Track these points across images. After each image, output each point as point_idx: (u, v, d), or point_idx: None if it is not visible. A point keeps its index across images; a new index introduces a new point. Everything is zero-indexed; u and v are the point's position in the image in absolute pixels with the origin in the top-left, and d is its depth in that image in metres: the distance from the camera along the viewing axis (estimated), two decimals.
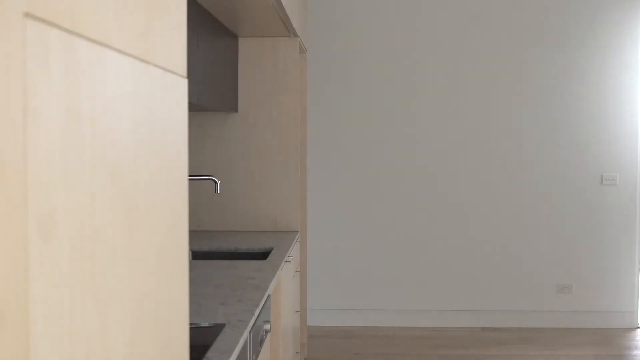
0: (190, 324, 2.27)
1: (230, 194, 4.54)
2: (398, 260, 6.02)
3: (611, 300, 5.98)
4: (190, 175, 3.99)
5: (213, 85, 3.77)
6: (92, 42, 0.73)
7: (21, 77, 0.58)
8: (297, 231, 4.54)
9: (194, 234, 4.38)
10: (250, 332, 2.37)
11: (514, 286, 6.01)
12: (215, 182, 3.80)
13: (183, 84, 1.11)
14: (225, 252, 3.95)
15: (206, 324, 2.29)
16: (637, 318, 6.02)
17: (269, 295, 2.93)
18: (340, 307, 6.06)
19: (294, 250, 4.26)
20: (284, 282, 3.57)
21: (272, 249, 3.88)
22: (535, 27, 5.94)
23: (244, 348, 2.28)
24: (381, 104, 6.01)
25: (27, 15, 0.59)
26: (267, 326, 2.76)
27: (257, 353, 2.55)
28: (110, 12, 0.79)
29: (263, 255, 3.91)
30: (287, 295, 3.75)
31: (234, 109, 4.46)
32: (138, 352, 0.89)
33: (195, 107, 3.78)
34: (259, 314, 2.59)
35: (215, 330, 2.21)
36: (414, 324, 5.99)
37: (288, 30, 4.31)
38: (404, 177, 6.01)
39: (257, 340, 2.58)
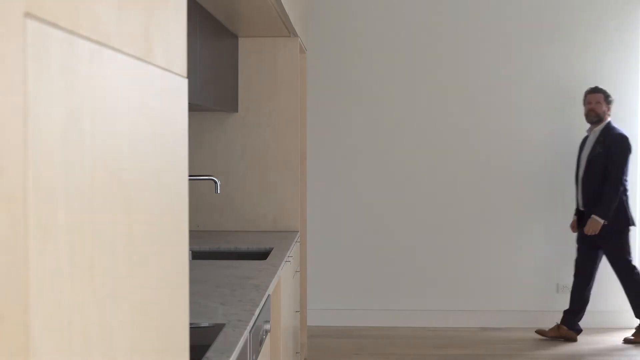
0: (190, 324, 2.27)
1: (230, 194, 4.54)
2: (398, 260, 6.02)
3: (611, 300, 5.97)
4: (190, 175, 3.99)
5: (213, 85, 3.77)
6: (92, 42, 0.73)
7: (21, 77, 0.58)
8: (297, 231, 4.54)
9: (194, 234, 4.38)
10: (250, 332, 2.37)
11: (514, 286, 6.00)
12: (215, 182, 3.80)
13: (183, 84, 1.11)
14: (225, 252, 3.95)
15: (206, 324, 2.29)
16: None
17: (269, 295, 2.93)
18: (340, 307, 6.05)
19: (294, 250, 4.26)
20: (284, 282, 3.57)
21: (272, 249, 3.87)
22: (534, 28, 5.94)
23: (244, 348, 2.28)
24: (381, 104, 6.01)
25: (27, 15, 0.59)
26: (267, 326, 2.76)
27: (257, 353, 2.55)
28: (111, 12, 0.79)
29: (263, 255, 3.91)
30: (287, 295, 3.75)
31: (234, 109, 4.46)
32: (138, 352, 0.89)
33: (195, 107, 3.78)
34: (259, 314, 2.59)
35: (215, 330, 2.21)
36: (414, 324, 5.99)
37: (288, 30, 4.31)
38: (404, 177, 6.01)
39: (257, 340, 2.58)
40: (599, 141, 5.44)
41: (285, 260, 3.59)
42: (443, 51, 5.97)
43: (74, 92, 0.68)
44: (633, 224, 5.46)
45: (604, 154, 5.38)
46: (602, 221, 5.32)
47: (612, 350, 5.47)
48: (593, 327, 5.93)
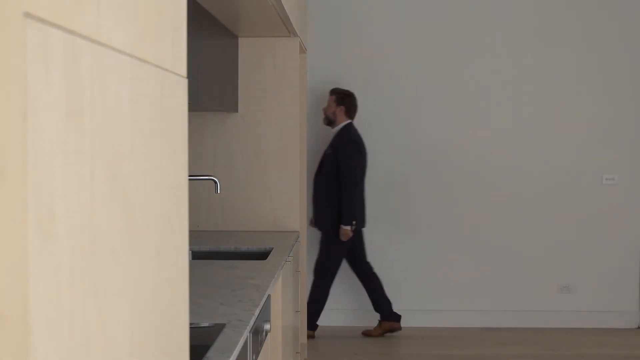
0: (190, 324, 2.27)
1: (230, 194, 4.54)
2: (398, 260, 6.02)
3: (612, 300, 5.97)
4: (190, 175, 3.99)
5: (213, 85, 3.77)
6: (92, 42, 0.73)
7: (21, 77, 0.58)
8: (297, 231, 4.54)
9: (194, 234, 4.38)
10: (250, 332, 2.37)
11: (514, 286, 6.00)
12: (215, 182, 3.80)
13: (183, 84, 1.11)
14: (225, 252, 3.95)
15: (206, 324, 2.29)
16: (637, 318, 6.01)
17: (269, 295, 2.93)
18: (341, 307, 6.05)
19: (294, 250, 4.26)
20: (284, 282, 3.57)
21: (272, 249, 3.87)
22: (538, 27, 5.94)
23: (244, 348, 2.28)
24: (380, 104, 6.01)
25: (27, 15, 0.59)
26: (267, 326, 2.76)
27: (257, 353, 2.55)
28: (110, 12, 0.79)
29: (263, 255, 3.91)
30: (287, 295, 3.75)
31: (234, 109, 4.46)
32: (138, 352, 0.89)
33: (195, 107, 3.78)
34: (259, 314, 2.59)
35: (215, 330, 2.21)
36: (414, 324, 5.98)
37: (288, 30, 4.31)
38: (403, 177, 6.01)
39: (257, 340, 2.58)
40: (331, 143, 5.53)
41: (285, 260, 3.59)
42: (445, 50, 5.97)
43: (74, 92, 0.68)
44: (362, 226, 5.58)
45: (333, 156, 5.46)
46: (348, 227, 5.45)
47: (613, 351, 5.46)
48: (594, 327, 5.93)
